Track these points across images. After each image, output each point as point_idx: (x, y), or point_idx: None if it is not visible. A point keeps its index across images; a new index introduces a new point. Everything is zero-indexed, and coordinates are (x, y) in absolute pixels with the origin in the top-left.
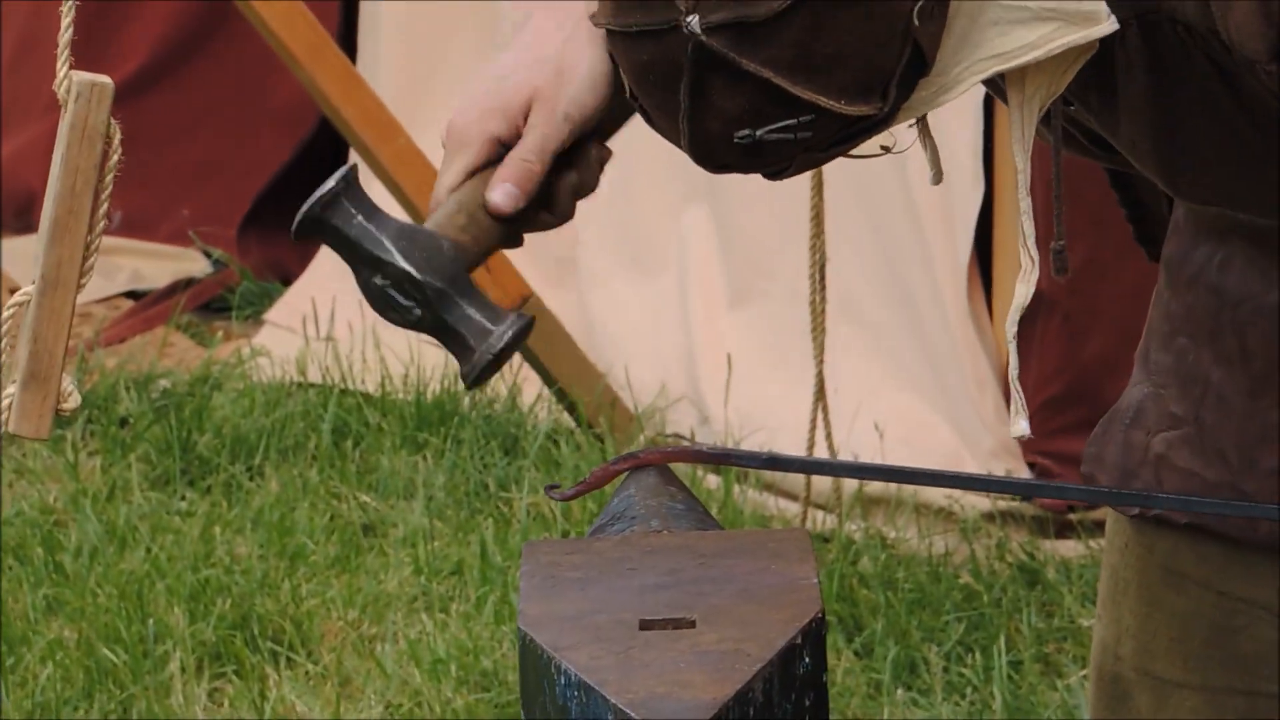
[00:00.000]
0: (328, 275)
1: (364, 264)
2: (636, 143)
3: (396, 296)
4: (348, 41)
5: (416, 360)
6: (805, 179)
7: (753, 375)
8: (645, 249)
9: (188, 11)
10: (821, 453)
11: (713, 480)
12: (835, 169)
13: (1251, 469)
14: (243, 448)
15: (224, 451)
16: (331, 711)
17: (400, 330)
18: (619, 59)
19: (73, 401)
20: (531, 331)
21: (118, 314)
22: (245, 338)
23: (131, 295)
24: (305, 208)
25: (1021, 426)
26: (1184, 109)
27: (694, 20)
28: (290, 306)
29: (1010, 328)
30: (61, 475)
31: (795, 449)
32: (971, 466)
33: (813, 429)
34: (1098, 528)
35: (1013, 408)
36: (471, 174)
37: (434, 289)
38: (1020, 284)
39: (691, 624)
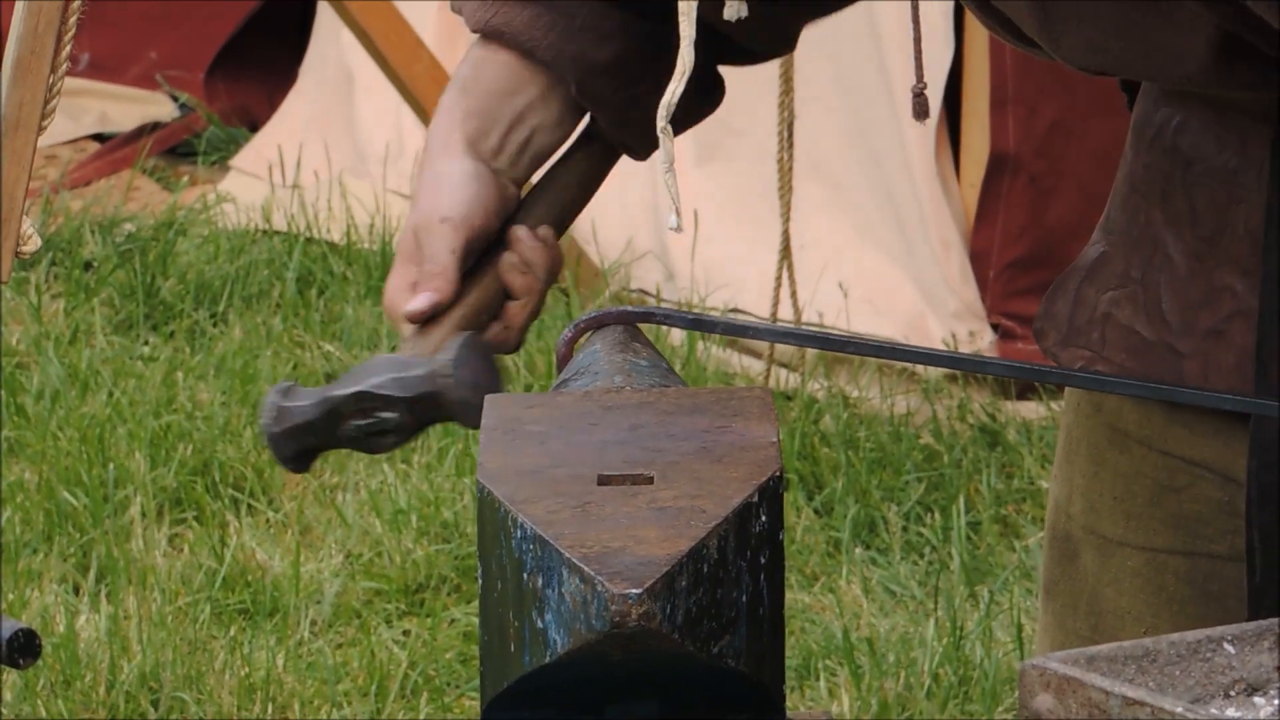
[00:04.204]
0: (295, 123)
1: (330, 429)
2: None
3: (368, 423)
4: None
5: (382, 209)
6: None
7: (719, 232)
8: None
9: None
10: (786, 311)
11: (677, 337)
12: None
13: (1188, 330)
14: (207, 294)
15: (188, 297)
16: (291, 559)
17: (366, 180)
18: None
19: (33, 244)
20: (480, 340)
21: (84, 156)
22: (211, 183)
23: (98, 138)
24: (268, 441)
25: (672, 220)
26: None
27: None
28: (257, 153)
29: (660, 120)
30: (24, 317)
31: (760, 307)
32: (934, 328)
33: (778, 287)
34: (1060, 390)
35: (670, 202)
36: None
37: (375, 385)
38: (673, 81)
39: (649, 480)
